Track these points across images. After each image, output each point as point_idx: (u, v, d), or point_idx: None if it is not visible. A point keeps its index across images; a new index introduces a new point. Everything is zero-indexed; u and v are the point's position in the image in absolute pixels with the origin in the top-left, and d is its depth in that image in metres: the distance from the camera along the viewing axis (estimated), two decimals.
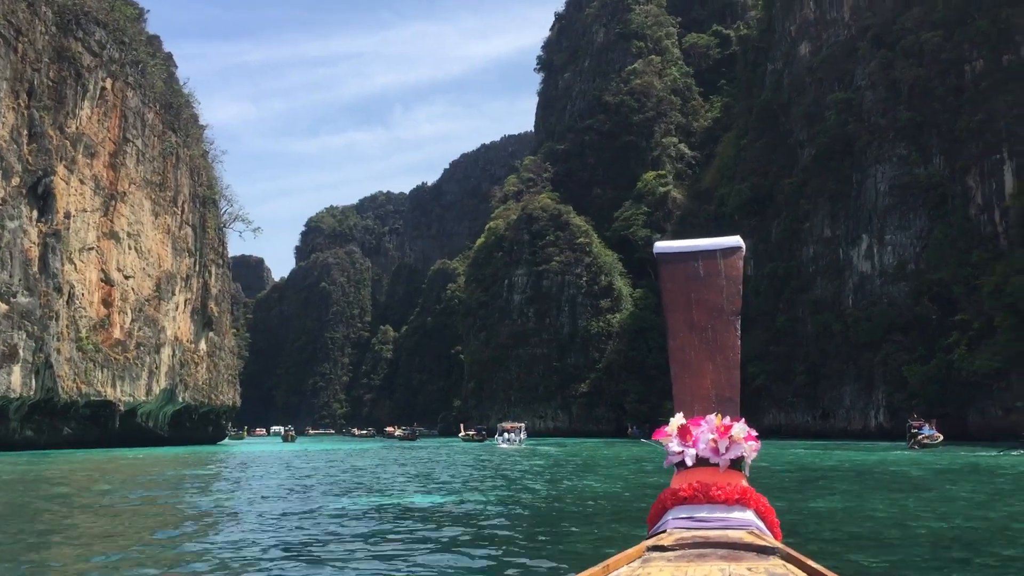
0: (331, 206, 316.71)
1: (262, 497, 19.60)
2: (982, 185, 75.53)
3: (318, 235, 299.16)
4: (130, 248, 66.28)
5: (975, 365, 65.25)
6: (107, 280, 63.36)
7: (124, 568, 9.72)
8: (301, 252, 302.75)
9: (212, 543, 11.77)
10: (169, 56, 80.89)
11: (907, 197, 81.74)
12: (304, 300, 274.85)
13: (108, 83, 65.01)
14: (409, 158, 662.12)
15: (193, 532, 13.27)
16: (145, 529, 13.95)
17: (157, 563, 10.17)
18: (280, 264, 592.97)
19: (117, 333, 63.90)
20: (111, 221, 64.12)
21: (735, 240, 2.41)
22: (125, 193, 65.73)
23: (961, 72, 79.94)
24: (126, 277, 65.61)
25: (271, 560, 10.13)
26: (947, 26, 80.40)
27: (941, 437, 48.64)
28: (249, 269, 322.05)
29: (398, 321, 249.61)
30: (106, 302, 63.26)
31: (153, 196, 69.95)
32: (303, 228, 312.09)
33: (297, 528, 13.29)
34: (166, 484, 24.60)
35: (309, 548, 11.08)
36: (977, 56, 78.60)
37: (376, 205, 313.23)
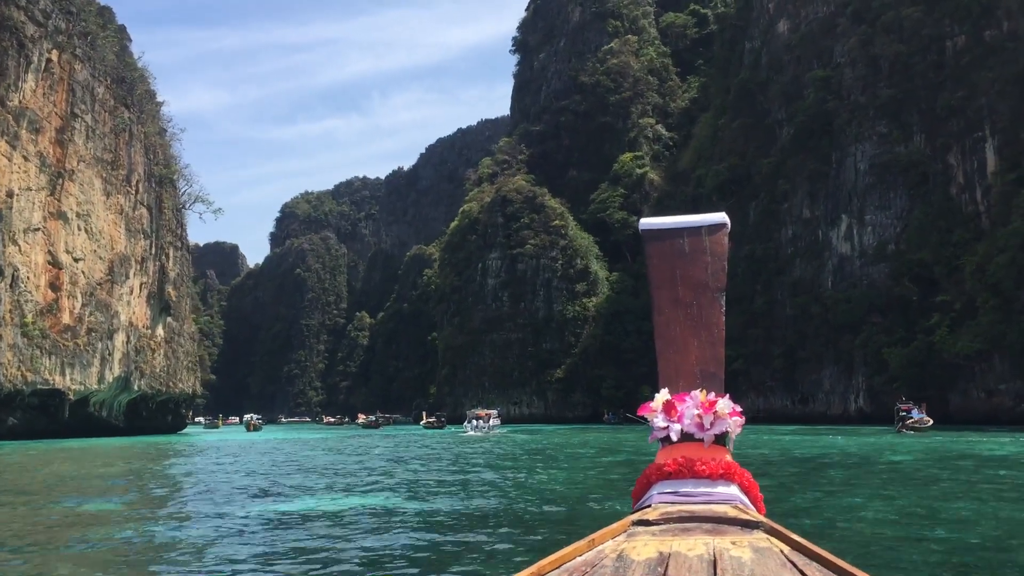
0: (306, 192, 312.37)
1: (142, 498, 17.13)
2: (964, 163, 74.16)
3: (293, 221, 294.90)
4: (80, 229, 62.99)
5: (957, 347, 63.84)
6: (55, 263, 60.17)
7: None
8: (276, 238, 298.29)
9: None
10: (122, 28, 77.00)
11: (887, 176, 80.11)
12: (279, 287, 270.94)
13: (54, 55, 61.60)
14: (386, 145, 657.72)
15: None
16: None
17: None
18: (255, 251, 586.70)
19: (66, 318, 60.78)
20: (58, 200, 60.84)
21: (720, 216, 2.38)
22: (73, 171, 62.40)
23: (942, 48, 78.29)
24: (75, 260, 62.39)
25: None
26: (928, 1, 78.60)
27: (931, 421, 46.69)
28: (223, 255, 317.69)
29: (374, 308, 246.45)
30: (54, 286, 60.09)
31: (104, 174, 66.53)
32: (277, 214, 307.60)
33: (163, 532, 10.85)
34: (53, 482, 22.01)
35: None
36: (959, 31, 76.96)
37: (352, 191, 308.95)
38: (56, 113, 61.43)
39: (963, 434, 41.89)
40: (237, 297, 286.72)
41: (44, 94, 60.47)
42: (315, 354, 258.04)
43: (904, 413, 46.82)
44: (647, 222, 2.42)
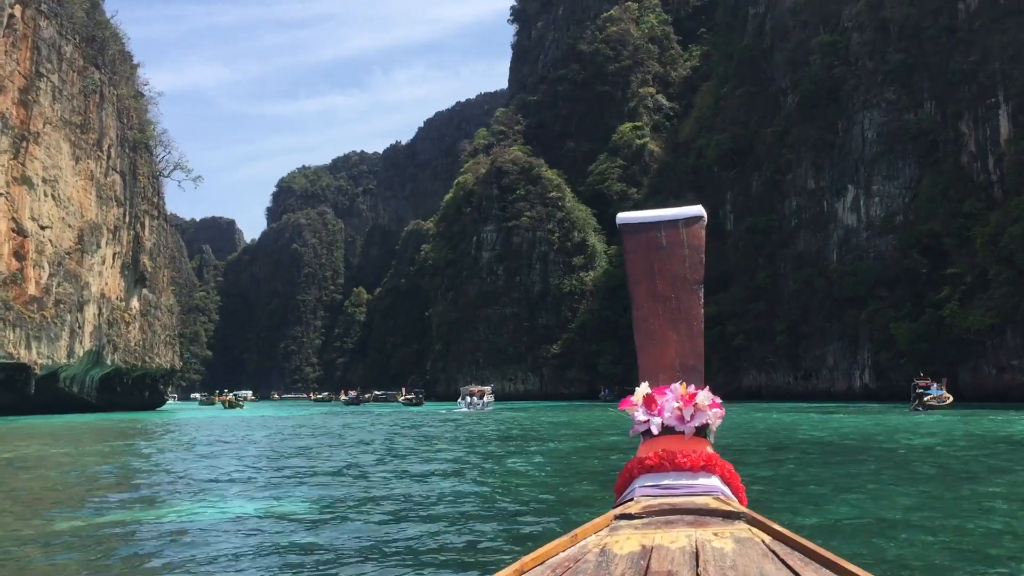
0: (303, 166, 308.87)
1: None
2: (975, 131, 71.21)
3: (289, 196, 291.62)
4: (46, 195, 59.84)
5: (968, 321, 61.22)
6: (19, 230, 57.11)
7: None
8: (272, 213, 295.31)
9: None
10: None
11: (895, 144, 77.14)
12: (276, 262, 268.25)
13: (17, 10, 58.21)
14: (388, 121, 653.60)
15: None
16: None
17: None
18: (252, 226, 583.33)
19: (32, 289, 57.80)
20: (23, 165, 57.64)
21: (697, 209, 2.42)
22: (39, 134, 59.17)
23: (954, 10, 75.05)
24: (42, 227, 59.32)
25: None
26: None
27: (951, 398, 43.80)
28: (219, 231, 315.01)
29: (371, 283, 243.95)
30: (18, 255, 57.04)
31: (73, 138, 63.24)
32: (274, 189, 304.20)
33: None
34: None
35: None
36: None
37: (349, 165, 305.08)
38: (19, 72, 58.09)
39: (983, 412, 38.78)
40: (233, 272, 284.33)
41: (6, 52, 57.10)
42: (312, 330, 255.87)
43: (921, 390, 43.94)
44: (624, 216, 2.39)
